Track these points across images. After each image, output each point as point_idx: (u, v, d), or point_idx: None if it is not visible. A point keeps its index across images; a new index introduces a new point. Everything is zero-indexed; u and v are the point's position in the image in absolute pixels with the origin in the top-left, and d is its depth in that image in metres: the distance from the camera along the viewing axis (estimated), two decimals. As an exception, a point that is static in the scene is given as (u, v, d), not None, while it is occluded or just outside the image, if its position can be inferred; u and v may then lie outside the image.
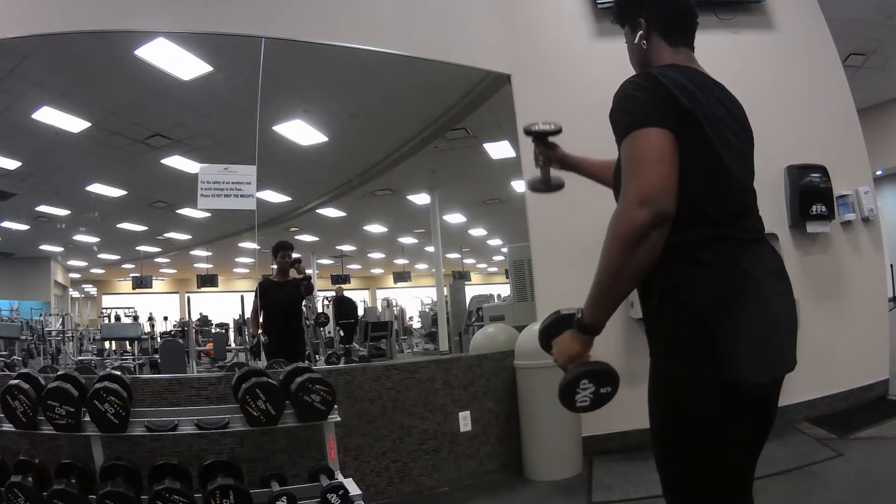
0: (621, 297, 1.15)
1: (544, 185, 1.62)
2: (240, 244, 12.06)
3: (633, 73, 1.38)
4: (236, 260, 14.55)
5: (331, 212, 9.87)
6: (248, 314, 6.62)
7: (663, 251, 1.14)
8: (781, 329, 1.19)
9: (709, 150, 1.18)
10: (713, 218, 1.17)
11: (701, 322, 1.14)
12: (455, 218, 11.26)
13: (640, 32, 1.36)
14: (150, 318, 12.17)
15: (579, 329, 1.17)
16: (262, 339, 4.28)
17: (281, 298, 4.47)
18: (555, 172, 1.63)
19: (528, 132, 1.56)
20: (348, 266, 15.06)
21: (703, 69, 1.34)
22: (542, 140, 1.57)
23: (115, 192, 8.00)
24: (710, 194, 1.18)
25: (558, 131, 1.54)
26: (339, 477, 2.52)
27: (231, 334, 10.32)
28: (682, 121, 1.15)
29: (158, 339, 8.55)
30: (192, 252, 13.19)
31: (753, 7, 4.16)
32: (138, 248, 12.16)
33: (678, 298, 1.16)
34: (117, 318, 12.63)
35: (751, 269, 1.16)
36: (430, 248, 10.83)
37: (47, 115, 5.40)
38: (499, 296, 10.45)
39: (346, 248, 14.30)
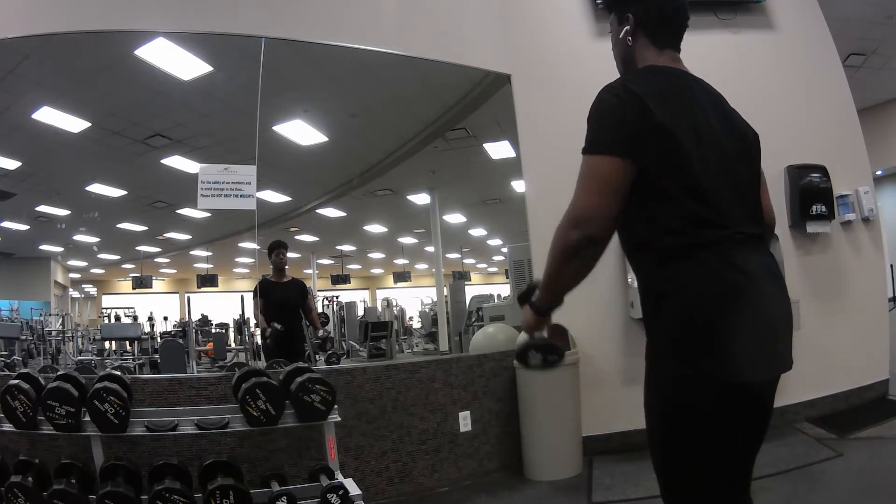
0: (565, 291, 1.27)
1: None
2: (240, 244, 12.04)
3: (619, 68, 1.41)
4: (236, 260, 14.53)
5: (331, 212, 9.86)
6: (249, 313, 6.61)
7: (661, 252, 1.16)
8: (777, 329, 1.19)
9: (690, 154, 1.17)
10: (706, 218, 1.17)
11: (697, 322, 1.14)
12: (455, 218, 11.25)
13: (627, 28, 1.35)
14: (150, 318, 12.17)
15: (533, 309, 1.33)
16: (278, 327, 4.23)
17: (281, 298, 4.46)
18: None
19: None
20: (348, 266, 15.05)
21: (686, 69, 1.33)
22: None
23: (115, 192, 7.99)
24: (699, 196, 1.17)
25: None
26: (339, 477, 2.52)
27: (231, 334, 10.32)
28: (653, 134, 1.16)
29: (158, 339, 8.54)
30: (192, 252, 13.17)
31: (753, 7, 4.16)
32: (138, 248, 12.14)
33: (675, 298, 1.16)
34: (117, 318, 12.62)
35: (746, 268, 1.16)
36: (430, 248, 10.82)
37: (47, 115, 5.39)
38: (499, 296, 10.45)
39: (346, 248, 14.29)
